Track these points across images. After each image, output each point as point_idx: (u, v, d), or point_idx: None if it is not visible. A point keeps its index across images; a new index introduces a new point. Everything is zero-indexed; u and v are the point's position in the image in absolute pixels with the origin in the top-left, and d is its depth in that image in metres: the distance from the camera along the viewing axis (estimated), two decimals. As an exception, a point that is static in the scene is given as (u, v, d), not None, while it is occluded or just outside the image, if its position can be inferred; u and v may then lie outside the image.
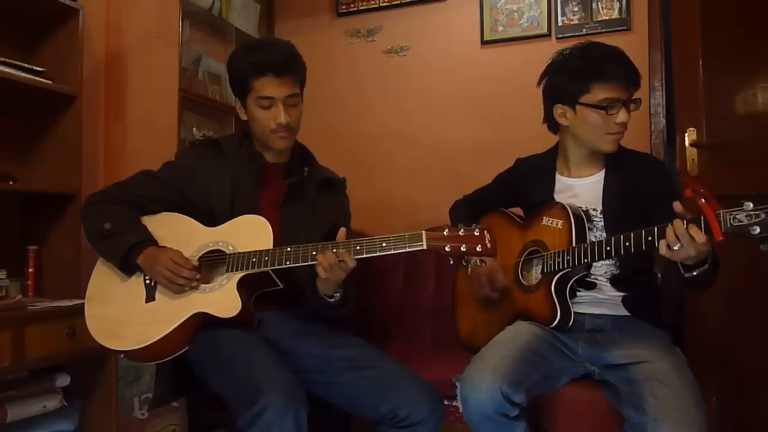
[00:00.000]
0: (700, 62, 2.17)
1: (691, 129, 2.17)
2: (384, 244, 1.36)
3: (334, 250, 1.37)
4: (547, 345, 1.48)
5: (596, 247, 1.40)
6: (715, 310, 2.14)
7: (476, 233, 1.33)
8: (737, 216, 1.13)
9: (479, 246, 1.32)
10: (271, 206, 1.57)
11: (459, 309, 1.85)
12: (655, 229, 1.26)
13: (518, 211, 1.80)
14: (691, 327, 2.14)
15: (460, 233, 1.33)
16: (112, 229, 1.49)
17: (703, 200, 1.17)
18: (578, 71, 1.53)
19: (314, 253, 1.39)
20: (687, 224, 1.20)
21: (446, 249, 1.33)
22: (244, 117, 1.62)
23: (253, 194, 1.58)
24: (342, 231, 1.42)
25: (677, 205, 1.23)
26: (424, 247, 1.34)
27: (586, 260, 1.42)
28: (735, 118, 2.15)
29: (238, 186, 1.57)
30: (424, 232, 1.34)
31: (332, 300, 1.48)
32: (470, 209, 1.87)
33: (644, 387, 1.31)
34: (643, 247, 1.28)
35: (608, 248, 1.36)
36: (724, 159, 2.15)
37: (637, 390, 1.32)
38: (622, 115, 1.50)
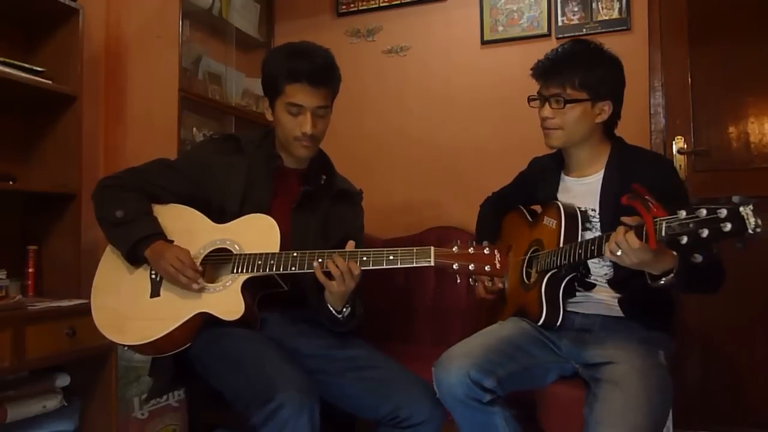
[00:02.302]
0: (689, 74, 2.32)
1: (678, 137, 2.33)
2: (391, 257, 1.35)
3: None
4: (532, 339, 1.51)
5: (571, 249, 1.41)
6: (699, 305, 2.23)
7: (486, 252, 1.30)
8: (671, 224, 1.11)
9: (488, 266, 1.29)
10: (283, 210, 1.55)
11: (483, 306, 1.87)
12: (612, 233, 1.25)
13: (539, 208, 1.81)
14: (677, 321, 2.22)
15: (469, 251, 1.31)
16: (123, 218, 1.48)
17: (642, 207, 1.15)
18: None
19: (320, 260, 1.38)
20: (626, 231, 1.19)
21: (454, 267, 1.30)
22: (270, 118, 1.60)
23: (266, 196, 1.56)
24: (350, 244, 1.41)
25: (626, 218, 1.22)
26: (432, 263, 1.32)
27: (564, 261, 1.43)
28: (721, 127, 2.30)
29: (253, 185, 1.56)
30: (432, 249, 1.32)
31: (340, 316, 1.47)
32: (495, 208, 1.90)
33: (602, 388, 1.32)
34: (603, 251, 1.28)
35: (579, 251, 1.37)
36: (709, 164, 2.29)
37: (596, 390, 1.34)
38: (542, 110, 1.57)
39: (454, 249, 1.31)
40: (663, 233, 1.12)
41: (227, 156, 1.59)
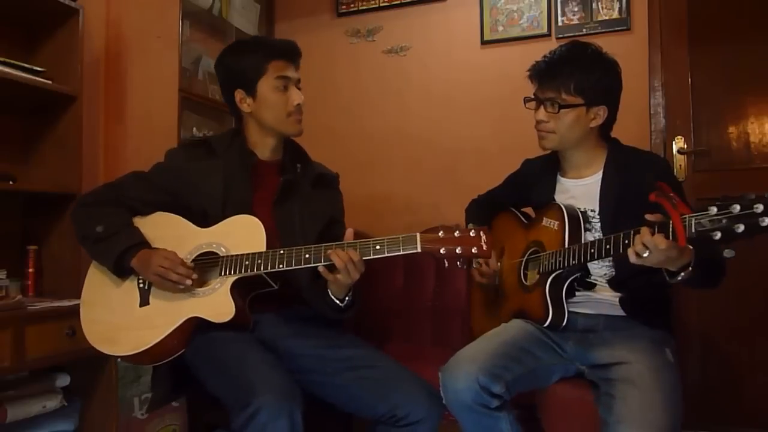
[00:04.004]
0: (689, 74, 2.32)
1: (678, 137, 2.33)
2: (377, 247, 1.35)
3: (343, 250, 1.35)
4: (536, 341, 1.50)
5: (582, 249, 1.41)
6: (700, 305, 2.23)
7: (472, 234, 1.31)
8: (701, 221, 1.12)
9: (475, 248, 1.30)
10: (264, 205, 1.56)
11: (473, 306, 1.88)
12: (631, 233, 1.26)
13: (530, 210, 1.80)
14: (677, 322, 2.23)
15: (455, 235, 1.31)
16: (104, 233, 1.48)
17: (670, 204, 1.16)
18: None
19: (307, 256, 1.38)
20: (655, 231, 1.19)
21: (441, 252, 1.31)
22: (248, 109, 1.60)
23: (246, 193, 1.56)
24: (350, 231, 1.41)
25: (649, 215, 1.23)
26: (418, 250, 1.32)
27: (573, 262, 1.43)
28: (721, 127, 2.30)
29: (231, 186, 1.55)
30: (418, 235, 1.33)
31: (343, 304, 1.47)
32: (484, 209, 1.88)
33: (617, 388, 1.32)
34: (620, 250, 1.28)
35: (592, 251, 1.37)
36: (709, 164, 2.29)
37: (611, 390, 1.34)
38: (537, 113, 1.58)
39: (440, 234, 1.32)
40: (693, 229, 1.13)
41: (200, 161, 1.58)
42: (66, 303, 1.87)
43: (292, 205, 1.58)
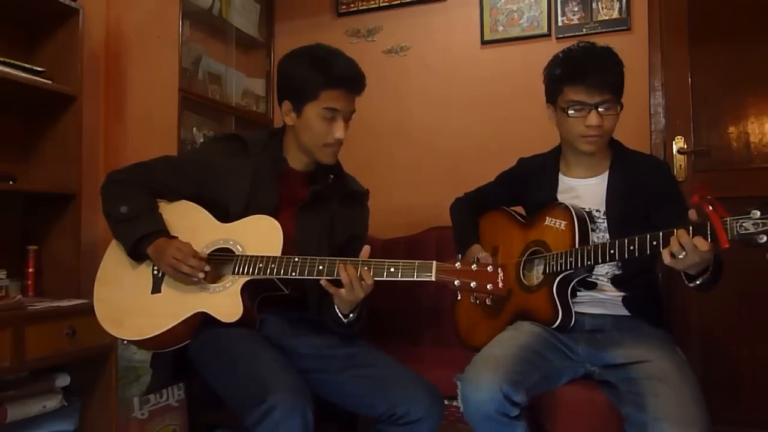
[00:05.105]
0: (689, 74, 2.32)
1: (678, 137, 2.32)
2: (392, 269, 1.33)
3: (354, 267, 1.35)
4: (547, 344, 1.49)
5: (600, 249, 1.40)
6: (700, 305, 2.23)
7: (489, 270, 1.27)
8: (744, 224, 1.13)
9: (490, 284, 1.26)
10: (288, 211, 1.55)
11: (459, 304, 1.85)
12: (660, 234, 1.26)
13: (520, 209, 1.79)
14: (677, 321, 2.19)
15: (472, 268, 1.28)
16: (127, 214, 1.48)
17: (710, 207, 1.17)
18: (555, 73, 1.55)
19: (321, 267, 1.37)
20: (692, 233, 1.19)
21: (455, 283, 1.28)
22: (290, 122, 1.55)
23: (270, 198, 1.55)
24: (366, 249, 1.39)
25: (691, 213, 1.22)
26: (433, 278, 1.29)
27: (589, 263, 1.42)
28: (721, 127, 2.29)
29: (257, 188, 1.55)
30: (434, 263, 1.30)
31: (346, 320, 1.46)
32: (472, 208, 1.86)
33: (645, 386, 1.31)
34: (648, 252, 1.28)
35: (612, 251, 1.36)
36: (709, 164, 2.29)
37: (637, 389, 1.32)
38: (591, 118, 1.49)
39: (456, 265, 1.29)
40: (735, 232, 1.14)
41: (232, 157, 1.57)
42: (66, 303, 1.87)
43: (315, 216, 1.57)
